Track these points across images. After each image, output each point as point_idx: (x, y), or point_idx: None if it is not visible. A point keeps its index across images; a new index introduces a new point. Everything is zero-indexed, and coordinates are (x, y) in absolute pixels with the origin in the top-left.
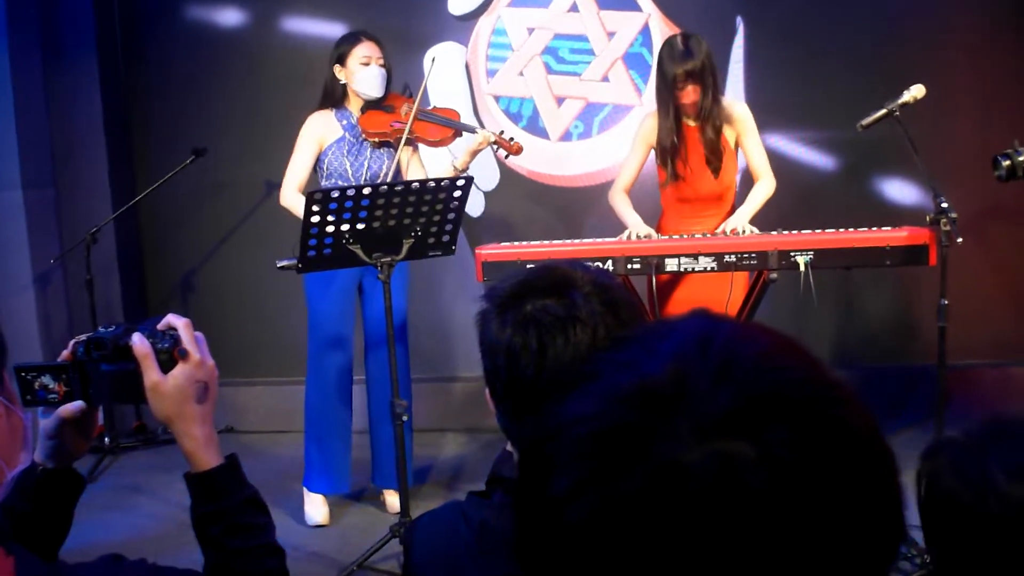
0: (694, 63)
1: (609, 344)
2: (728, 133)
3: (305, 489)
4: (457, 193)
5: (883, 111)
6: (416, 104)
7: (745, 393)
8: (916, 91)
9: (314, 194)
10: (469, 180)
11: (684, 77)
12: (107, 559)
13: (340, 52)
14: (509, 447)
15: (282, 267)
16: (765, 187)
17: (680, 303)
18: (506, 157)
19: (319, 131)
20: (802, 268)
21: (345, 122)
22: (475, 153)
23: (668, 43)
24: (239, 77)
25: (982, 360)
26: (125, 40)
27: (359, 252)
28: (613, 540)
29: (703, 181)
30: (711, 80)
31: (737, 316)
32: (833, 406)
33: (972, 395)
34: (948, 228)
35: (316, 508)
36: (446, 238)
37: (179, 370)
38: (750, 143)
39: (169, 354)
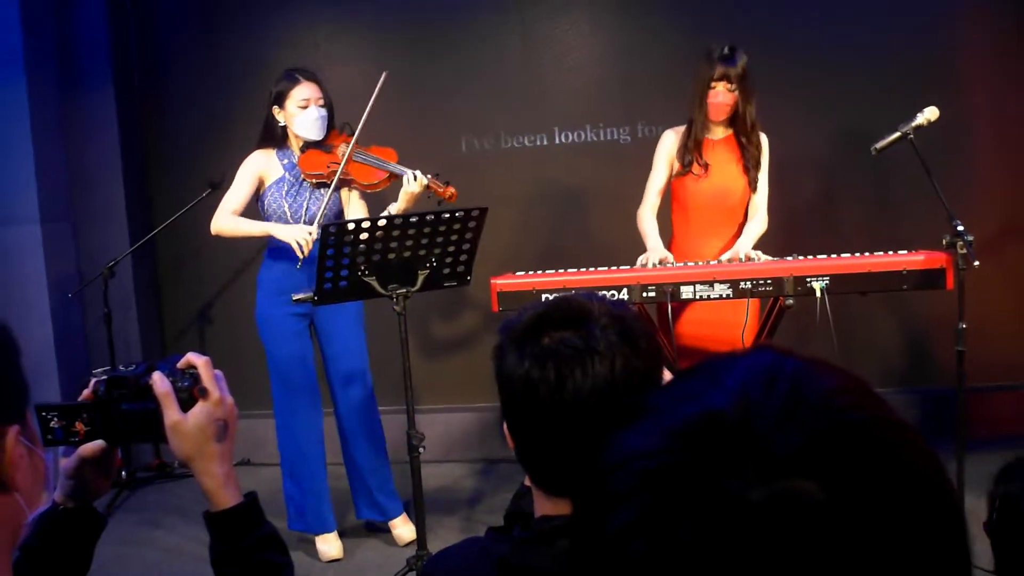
0: (733, 66)
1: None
2: None
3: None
4: (472, 224)
5: (897, 134)
6: (351, 146)
7: (813, 431)
8: (930, 113)
9: (329, 227)
10: (484, 211)
11: (720, 76)
12: None
13: (278, 93)
14: (527, 482)
15: (298, 299)
16: (759, 224)
17: (696, 329)
18: (439, 203)
19: (260, 169)
20: (818, 294)
21: (286, 161)
22: (412, 198)
23: (711, 49)
24: (255, 109)
25: (1001, 383)
26: (142, 73)
27: (375, 284)
28: None
29: (724, 188)
30: (748, 91)
31: (754, 343)
32: (901, 447)
33: (992, 418)
34: (964, 251)
35: (328, 543)
36: (461, 268)
37: (199, 409)
38: (761, 175)
39: (189, 392)
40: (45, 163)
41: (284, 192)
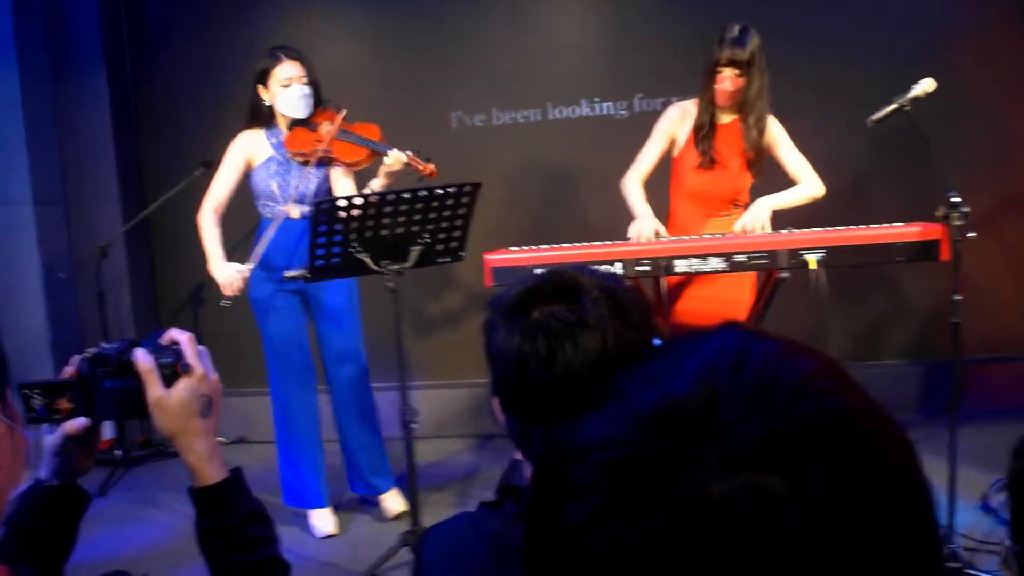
0: (741, 51)
1: (616, 353)
2: None
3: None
4: (465, 199)
5: (893, 106)
6: (336, 123)
7: (781, 422)
8: (926, 84)
9: (322, 203)
10: (477, 186)
11: (727, 62)
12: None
13: (260, 71)
14: (518, 456)
15: (291, 277)
16: (807, 186)
17: (691, 302)
18: (419, 180)
19: (248, 150)
20: (813, 267)
21: (275, 140)
22: (392, 175)
23: (724, 29)
24: (247, 89)
25: (997, 354)
26: (133, 54)
27: (367, 260)
28: (632, 574)
29: (728, 176)
30: (757, 75)
31: (750, 315)
32: (873, 438)
33: (987, 390)
34: (960, 223)
35: (323, 519)
36: (454, 244)
37: (182, 384)
38: (785, 152)
39: (172, 368)
40: (38, 145)
41: (272, 171)
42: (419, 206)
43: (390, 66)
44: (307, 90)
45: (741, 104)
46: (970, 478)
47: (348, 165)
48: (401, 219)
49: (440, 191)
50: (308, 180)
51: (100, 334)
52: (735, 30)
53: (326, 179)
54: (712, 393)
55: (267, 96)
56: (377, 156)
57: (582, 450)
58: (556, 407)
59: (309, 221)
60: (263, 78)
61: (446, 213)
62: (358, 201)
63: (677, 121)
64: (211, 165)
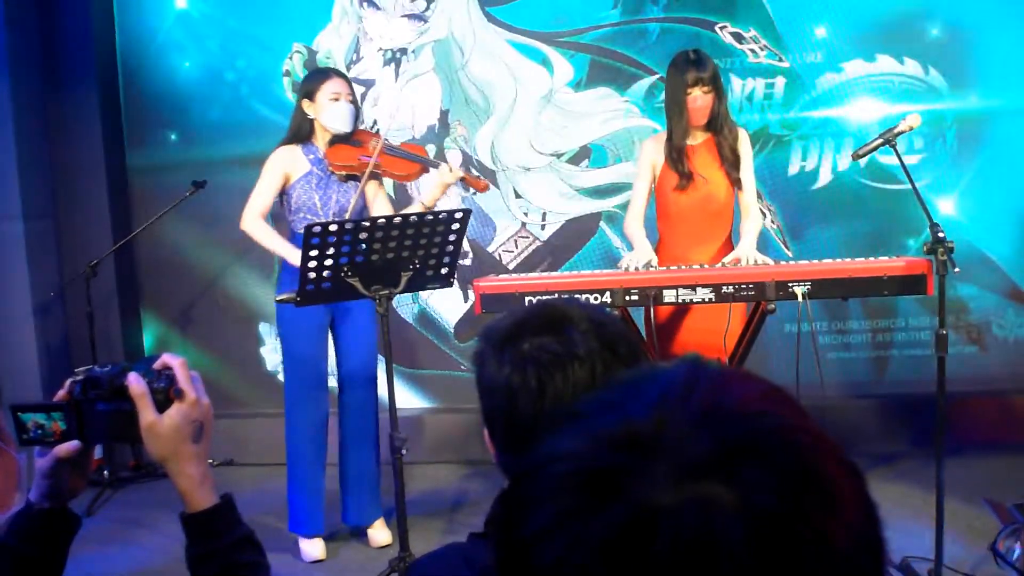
0: (705, 71)
1: (604, 384)
2: None
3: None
4: (455, 226)
5: (879, 140)
6: (383, 138)
7: (724, 438)
8: (911, 120)
9: (313, 227)
10: (467, 212)
11: (695, 80)
12: None
13: (309, 88)
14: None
15: (280, 300)
16: (754, 221)
17: (678, 333)
18: (472, 194)
19: (286, 165)
20: (800, 299)
21: (312, 156)
22: (444, 188)
23: (677, 56)
24: (239, 109)
25: (982, 388)
26: (125, 71)
27: (358, 285)
28: None
29: (709, 193)
30: (721, 88)
31: (736, 346)
32: (814, 455)
33: (972, 423)
34: (945, 258)
35: (312, 544)
36: (444, 270)
37: (175, 410)
38: (746, 170)
39: (165, 393)
40: (28, 160)
41: (313, 185)
42: (410, 231)
43: None
44: (352, 107)
45: (712, 121)
46: (957, 510)
47: (399, 177)
48: (392, 244)
49: (431, 217)
50: (348, 194)
51: (89, 352)
52: (691, 54)
53: (363, 197)
54: (663, 416)
55: (312, 110)
56: (426, 171)
57: (544, 462)
58: (543, 438)
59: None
60: (311, 94)
61: (436, 239)
62: (349, 226)
63: (653, 151)
64: (201, 186)
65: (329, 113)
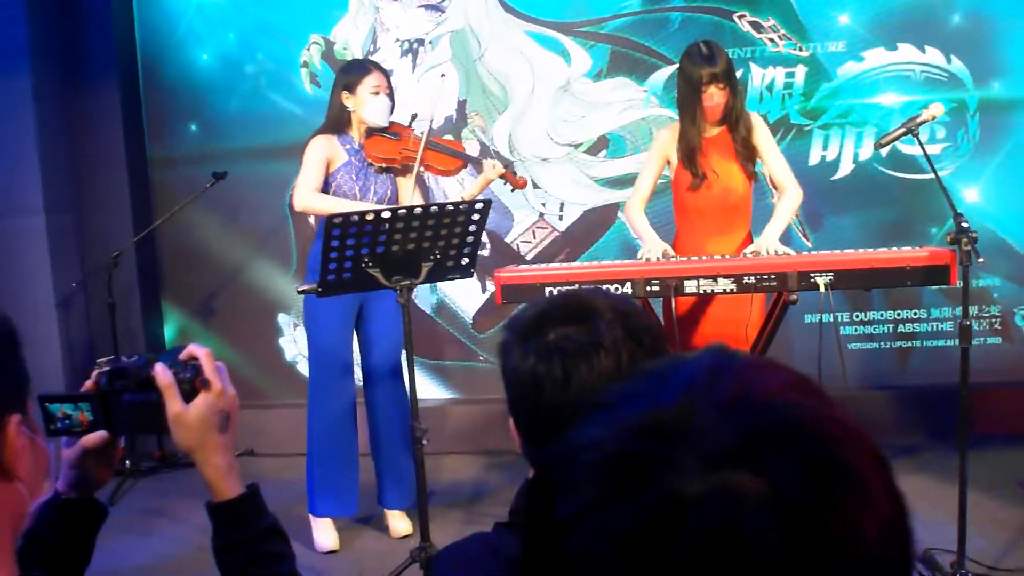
0: (719, 65)
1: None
2: None
3: (311, 515)
4: (476, 216)
5: (901, 129)
6: (427, 132)
7: (751, 427)
8: (934, 109)
9: (334, 218)
10: (487, 204)
11: (710, 78)
12: None
13: (349, 80)
14: (531, 476)
15: (302, 291)
16: (791, 199)
17: (700, 324)
18: (512, 191)
19: (327, 152)
20: (822, 290)
21: (348, 147)
22: (486, 184)
23: (690, 49)
24: (259, 101)
25: (1005, 379)
26: (145, 64)
27: (379, 276)
28: (612, 569)
29: (725, 187)
30: (735, 82)
31: (757, 337)
32: (843, 446)
33: (995, 414)
34: (968, 248)
35: (325, 533)
36: (465, 261)
37: (201, 400)
38: (768, 152)
39: (191, 384)
40: (49, 154)
41: (353, 176)
42: (431, 222)
43: None
44: (389, 101)
45: (727, 115)
46: (980, 502)
47: (441, 172)
48: (412, 235)
49: (451, 207)
50: (385, 186)
51: (111, 344)
52: (703, 48)
53: (396, 189)
54: (690, 405)
55: (352, 103)
56: (466, 166)
57: (572, 451)
58: (570, 427)
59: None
60: (351, 87)
61: (457, 230)
62: (370, 217)
63: (668, 141)
64: (222, 177)
65: (370, 107)
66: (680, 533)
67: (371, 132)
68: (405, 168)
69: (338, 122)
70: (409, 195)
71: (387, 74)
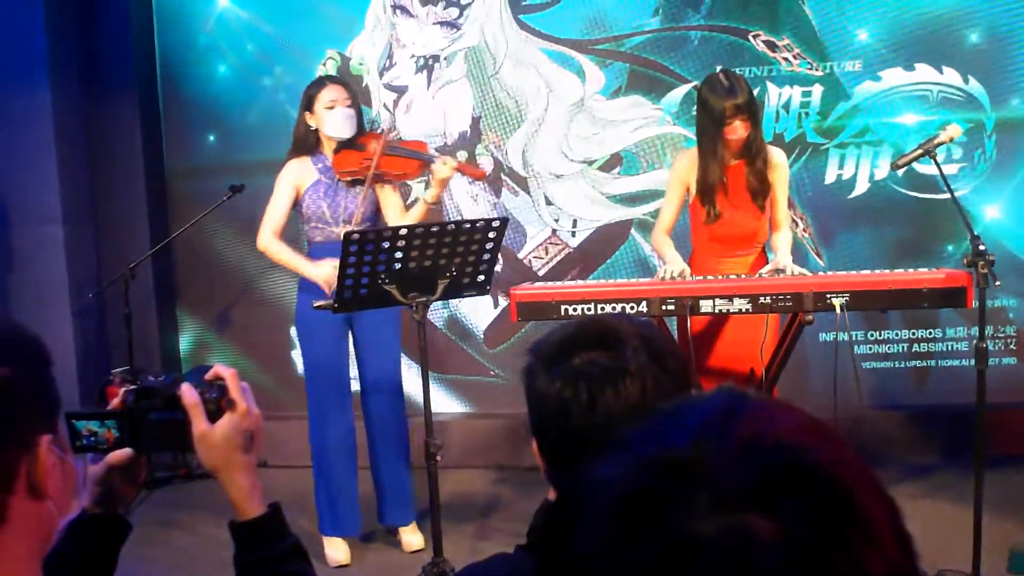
0: (742, 97)
1: (655, 400)
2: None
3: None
4: (492, 234)
5: (919, 151)
6: (383, 139)
7: (765, 468)
8: (952, 131)
9: (351, 235)
10: (504, 221)
11: (733, 111)
12: None
13: (306, 99)
14: (551, 497)
15: (318, 307)
16: (788, 239)
17: (714, 344)
18: (471, 183)
19: (295, 178)
20: (838, 311)
21: (320, 165)
22: (443, 183)
23: (710, 80)
24: (277, 113)
25: (1022, 399)
26: (164, 76)
27: (395, 292)
28: None
29: (742, 219)
30: (757, 113)
31: (772, 357)
32: (853, 489)
33: (1010, 435)
34: (985, 271)
35: (337, 548)
36: (481, 278)
37: (226, 420)
38: (780, 192)
39: (217, 404)
40: (68, 164)
41: (322, 194)
42: (447, 239)
43: None
44: (350, 112)
45: (747, 147)
46: (994, 523)
47: (398, 177)
48: (429, 252)
49: (468, 225)
50: (357, 199)
51: (126, 354)
52: (725, 79)
53: (375, 199)
54: (704, 445)
55: (313, 121)
56: (425, 167)
57: (588, 488)
58: (594, 452)
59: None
60: (310, 104)
61: (473, 247)
62: (387, 234)
63: (687, 169)
64: (239, 190)
65: (328, 121)
66: (693, 573)
67: (339, 147)
68: (377, 178)
69: (304, 143)
70: (394, 206)
71: (347, 85)
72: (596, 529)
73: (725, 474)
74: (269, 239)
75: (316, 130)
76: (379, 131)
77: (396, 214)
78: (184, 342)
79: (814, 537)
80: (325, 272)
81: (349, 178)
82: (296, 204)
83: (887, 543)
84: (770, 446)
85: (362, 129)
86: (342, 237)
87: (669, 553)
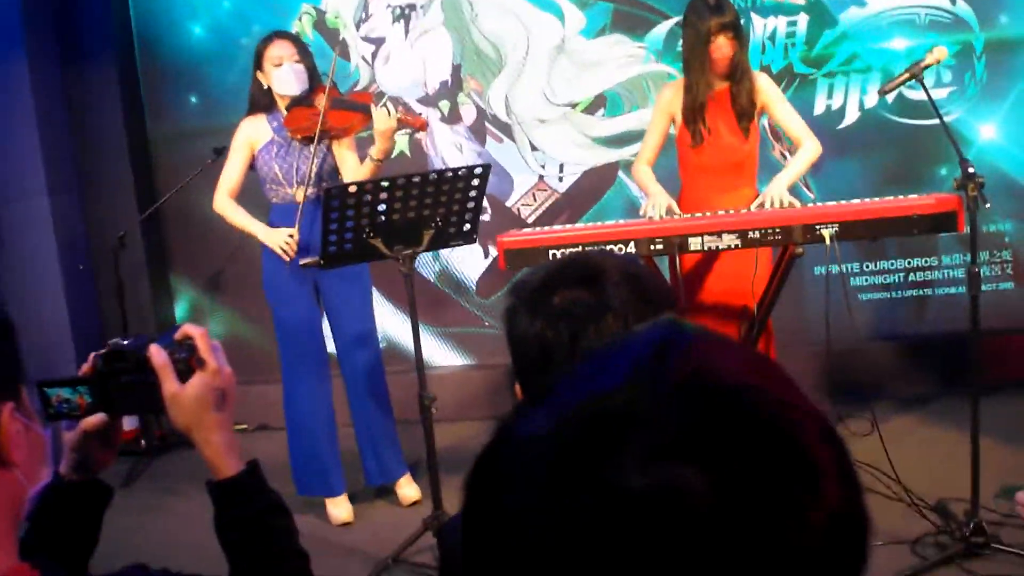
0: (729, 15)
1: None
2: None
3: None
4: (475, 182)
5: (905, 75)
6: (327, 93)
7: (700, 416)
8: (938, 53)
9: (331, 190)
10: (487, 168)
11: (719, 28)
12: (132, 569)
13: (256, 56)
14: None
15: (305, 264)
16: (808, 150)
17: (706, 281)
18: (413, 134)
19: (249, 136)
20: (828, 241)
21: (276, 124)
22: (386, 136)
23: (693, 3)
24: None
25: (1019, 325)
26: (141, 41)
27: (380, 245)
28: (555, 568)
29: (728, 145)
30: (743, 33)
31: (764, 291)
32: (795, 431)
33: (1008, 361)
34: (975, 193)
35: (338, 507)
36: (467, 227)
37: (196, 379)
38: (781, 111)
39: (186, 364)
40: (50, 135)
41: (274, 154)
42: (429, 189)
43: None
44: (299, 67)
45: (733, 70)
46: (993, 451)
47: (344, 131)
48: (412, 203)
49: (449, 174)
50: (310, 159)
51: (120, 325)
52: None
53: (330, 157)
54: (633, 391)
55: (264, 79)
56: (368, 119)
57: (513, 445)
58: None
59: (320, 206)
60: (259, 62)
61: (457, 195)
62: (368, 186)
63: (672, 98)
64: (222, 152)
65: (276, 79)
66: (624, 531)
67: (291, 104)
68: (324, 135)
69: (258, 102)
70: (350, 165)
71: (295, 39)
72: (523, 490)
73: (658, 422)
74: (224, 201)
75: (269, 88)
76: (325, 85)
77: (351, 174)
78: (180, 309)
79: (750, 489)
80: (277, 239)
81: (301, 135)
82: (252, 163)
83: (830, 491)
84: (708, 389)
85: (315, 85)
86: (313, 196)
87: (597, 512)
